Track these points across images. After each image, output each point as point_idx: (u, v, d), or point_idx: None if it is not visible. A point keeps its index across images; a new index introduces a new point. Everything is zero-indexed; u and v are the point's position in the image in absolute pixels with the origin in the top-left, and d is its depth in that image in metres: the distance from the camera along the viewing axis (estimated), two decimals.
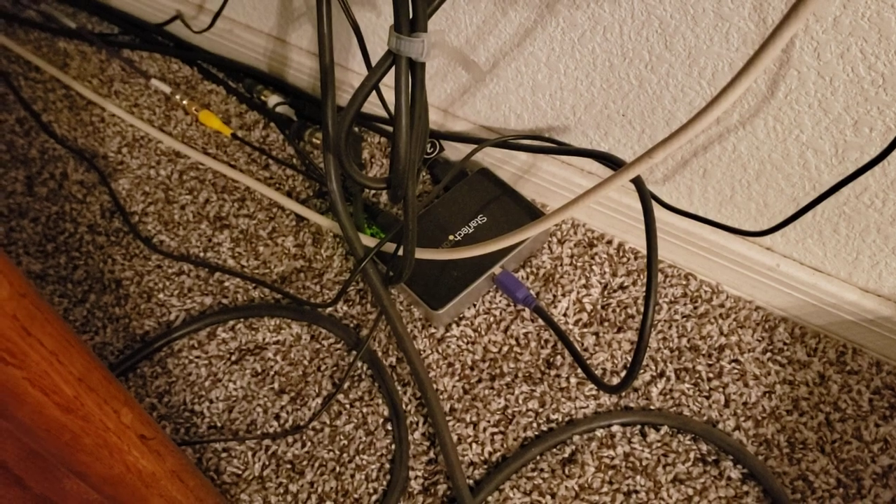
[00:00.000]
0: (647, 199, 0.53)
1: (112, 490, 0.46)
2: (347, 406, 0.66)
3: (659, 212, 0.66)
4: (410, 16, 0.45)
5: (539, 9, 0.59)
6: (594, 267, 0.70)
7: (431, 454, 0.63)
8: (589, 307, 0.68)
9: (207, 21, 0.88)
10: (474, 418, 0.64)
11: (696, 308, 0.67)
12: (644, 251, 0.71)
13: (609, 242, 0.72)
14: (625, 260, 0.71)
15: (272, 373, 0.68)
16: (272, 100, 0.86)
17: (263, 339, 0.70)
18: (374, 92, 0.58)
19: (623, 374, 0.65)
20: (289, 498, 0.62)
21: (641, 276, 0.69)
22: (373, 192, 0.79)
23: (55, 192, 0.81)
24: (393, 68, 0.47)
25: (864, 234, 0.57)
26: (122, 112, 0.88)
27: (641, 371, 0.64)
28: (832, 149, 0.53)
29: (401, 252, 0.60)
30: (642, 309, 0.67)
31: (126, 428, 0.44)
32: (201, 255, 0.76)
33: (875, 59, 0.46)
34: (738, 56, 0.52)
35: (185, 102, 0.87)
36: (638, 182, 0.55)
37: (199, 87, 0.91)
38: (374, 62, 0.49)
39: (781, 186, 0.58)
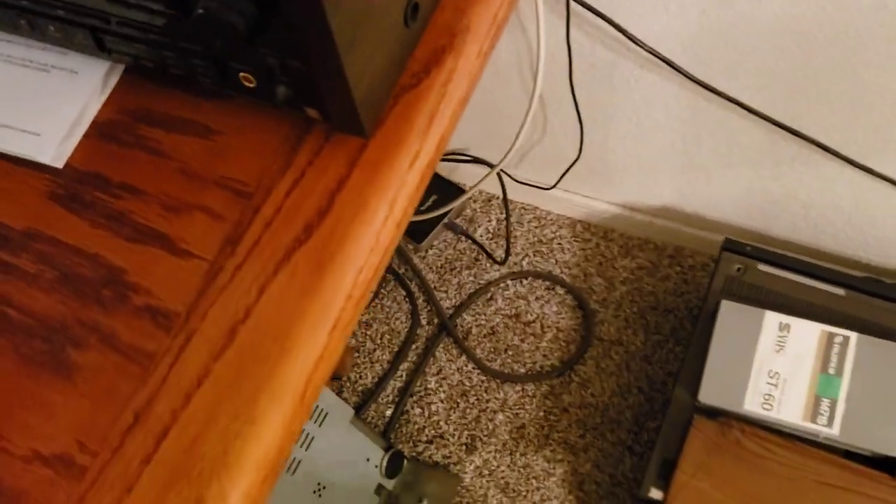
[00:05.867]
0: (502, 182, 1.28)
1: None
2: (384, 292, 1.40)
3: (517, 186, 1.40)
4: None
5: None
6: (492, 213, 1.45)
7: (428, 308, 1.37)
8: (482, 231, 1.43)
9: None
10: (445, 288, 1.38)
11: (541, 225, 1.42)
12: (520, 206, 1.45)
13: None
14: (511, 209, 1.45)
15: None
16: None
17: None
18: None
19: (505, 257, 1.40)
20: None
21: (512, 216, 1.44)
22: None
23: None
24: None
25: (605, 183, 1.32)
26: None
27: (517, 254, 1.39)
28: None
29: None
30: (512, 229, 1.42)
31: None
32: None
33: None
34: None
35: None
36: (498, 174, 1.29)
37: None
38: None
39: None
